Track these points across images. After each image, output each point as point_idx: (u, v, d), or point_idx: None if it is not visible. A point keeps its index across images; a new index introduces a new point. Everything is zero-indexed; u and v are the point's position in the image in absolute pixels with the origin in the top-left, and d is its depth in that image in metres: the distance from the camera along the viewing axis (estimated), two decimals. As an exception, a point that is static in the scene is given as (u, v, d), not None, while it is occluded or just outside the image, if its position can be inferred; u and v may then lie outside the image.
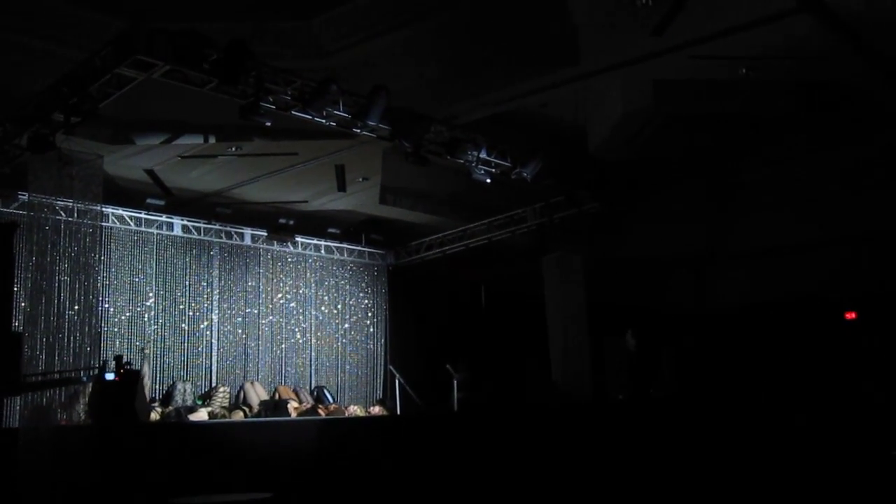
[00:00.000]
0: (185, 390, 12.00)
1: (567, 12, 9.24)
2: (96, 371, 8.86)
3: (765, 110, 10.89)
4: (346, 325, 15.01)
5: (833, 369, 12.99)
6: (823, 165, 12.27)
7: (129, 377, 9.25)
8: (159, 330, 12.46)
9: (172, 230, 12.85)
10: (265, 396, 12.85)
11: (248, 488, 7.13)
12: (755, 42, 9.16)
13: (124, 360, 9.58)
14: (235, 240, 13.63)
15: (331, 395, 13.96)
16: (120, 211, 12.18)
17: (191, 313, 12.89)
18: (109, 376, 9.41)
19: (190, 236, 13.05)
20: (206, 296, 13.15)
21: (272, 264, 14.13)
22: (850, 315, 13.64)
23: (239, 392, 12.83)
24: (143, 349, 11.96)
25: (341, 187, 12.65)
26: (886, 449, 9.80)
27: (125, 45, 7.90)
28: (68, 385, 8.92)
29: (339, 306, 14.98)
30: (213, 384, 12.73)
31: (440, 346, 14.17)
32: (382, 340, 15.43)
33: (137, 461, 7.55)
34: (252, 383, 13.01)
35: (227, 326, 13.30)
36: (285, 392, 13.26)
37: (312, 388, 14.01)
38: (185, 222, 12.99)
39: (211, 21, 8.65)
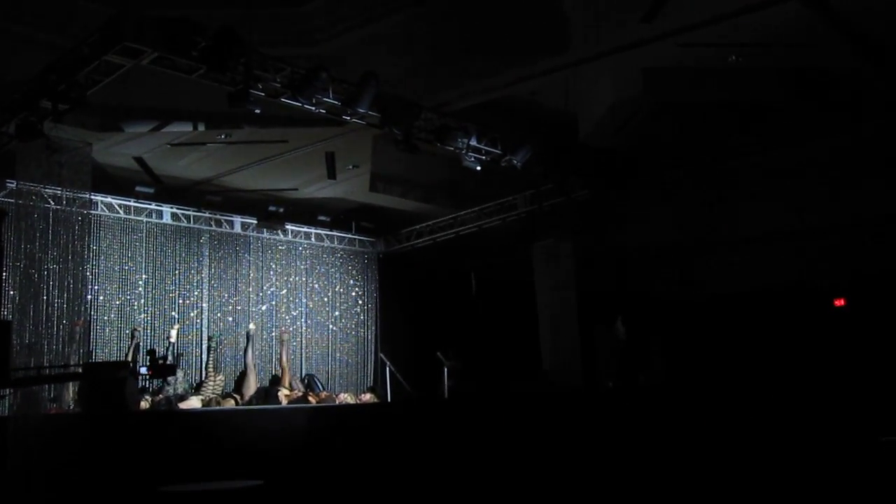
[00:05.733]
0: (176, 378, 11.98)
1: (557, -1, 9.24)
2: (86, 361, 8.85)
3: (754, 98, 10.90)
4: (337, 313, 15.00)
5: (822, 356, 13.05)
6: (813, 153, 12.28)
7: (164, 371, 9.23)
8: (149, 318, 12.42)
9: (162, 218, 12.79)
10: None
11: (238, 476, 7.13)
12: (745, 29, 9.16)
13: (158, 354, 9.58)
14: (225, 228, 13.59)
15: (321, 382, 13.96)
16: (109, 199, 12.13)
17: (181, 301, 12.86)
18: (143, 370, 9.44)
19: (179, 224, 13.00)
20: (196, 284, 13.11)
21: (262, 252, 14.10)
22: (839, 302, 13.70)
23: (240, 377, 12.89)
24: (133, 330, 11.95)
25: (331, 175, 12.63)
26: (875, 435, 9.85)
27: (113, 31, 7.85)
28: (64, 381, 8.93)
29: (330, 294, 14.97)
30: (204, 372, 12.72)
31: (430, 334, 14.18)
32: (373, 328, 15.42)
33: (127, 449, 7.54)
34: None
35: (217, 314, 13.28)
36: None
37: (303, 375, 14.01)
38: (175, 210, 12.94)
39: (200, 8, 8.61)
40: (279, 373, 13.33)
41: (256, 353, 13.39)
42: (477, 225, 14.38)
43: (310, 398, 12.55)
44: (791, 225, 13.16)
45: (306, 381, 13.84)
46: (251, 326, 13.29)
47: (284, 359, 13.35)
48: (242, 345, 13.25)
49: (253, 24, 9.19)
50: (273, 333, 13.95)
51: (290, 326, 14.12)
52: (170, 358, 12.01)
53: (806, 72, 10.35)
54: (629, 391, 12.63)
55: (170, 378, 11.74)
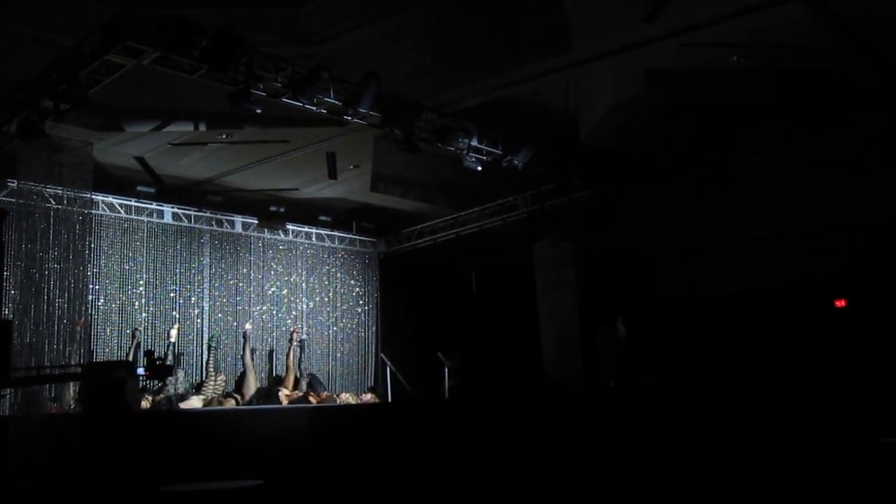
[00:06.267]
0: (177, 378, 11.99)
1: (558, -1, 9.24)
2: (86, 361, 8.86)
3: (755, 98, 10.90)
4: (338, 313, 14.99)
5: (823, 356, 13.05)
6: (813, 153, 12.29)
7: (162, 372, 9.22)
8: (150, 318, 12.42)
9: (163, 218, 12.77)
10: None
11: (238, 476, 7.13)
12: (746, 30, 9.16)
13: (157, 354, 9.56)
14: (226, 227, 13.59)
15: (322, 383, 13.95)
16: (110, 198, 12.13)
17: (181, 301, 12.86)
18: (140, 371, 9.45)
19: (180, 224, 12.98)
20: (196, 283, 13.10)
21: (263, 252, 14.09)
22: (840, 303, 13.71)
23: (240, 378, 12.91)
24: (134, 329, 11.95)
25: (332, 175, 12.63)
26: (875, 435, 9.86)
27: (114, 31, 7.86)
28: (65, 381, 8.92)
29: (331, 294, 14.96)
30: (205, 372, 12.72)
31: (431, 334, 14.18)
32: (374, 328, 15.42)
33: (128, 449, 7.55)
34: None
35: (217, 314, 13.28)
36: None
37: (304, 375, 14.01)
38: (176, 210, 12.93)
39: (201, 7, 8.62)
40: (283, 372, 13.33)
41: (257, 353, 13.40)
42: (478, 225, 14.37)
43: (311, 398, 12.56)
44: (791, 225, 13.16)
45: (307, 380, 13.84)
46: (247, 327, 13.27)
47: (291, 358, 13.35)
48: (233, 346, 13.27)
49: (254, 23, 9.20)
50: (274, 334, 13.96)
51: (290, 327, 14.12)
52: (170, 358, 12.02)
53: (806, 72, 10.35)
54: (630, 391, 12.63)
55: (170, 378, 11.75)
